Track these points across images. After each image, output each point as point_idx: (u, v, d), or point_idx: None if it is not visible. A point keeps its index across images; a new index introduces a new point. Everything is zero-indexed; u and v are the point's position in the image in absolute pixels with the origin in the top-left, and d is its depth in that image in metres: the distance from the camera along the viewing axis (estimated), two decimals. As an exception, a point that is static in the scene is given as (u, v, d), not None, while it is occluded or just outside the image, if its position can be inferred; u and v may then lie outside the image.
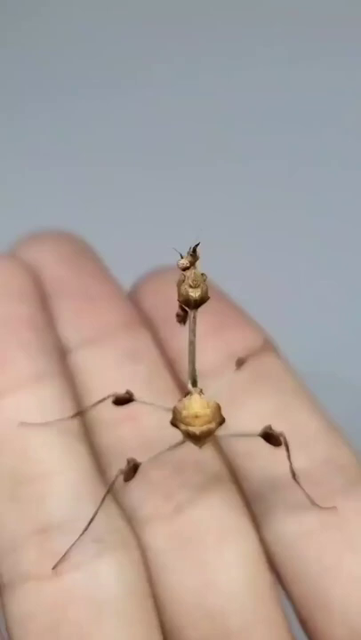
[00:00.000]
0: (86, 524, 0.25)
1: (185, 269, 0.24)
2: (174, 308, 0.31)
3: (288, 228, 0.45)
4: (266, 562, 0.27)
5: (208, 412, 0.25)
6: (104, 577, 0.24)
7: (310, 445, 0.28)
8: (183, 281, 0.24)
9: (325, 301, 0.45)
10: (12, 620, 0.25)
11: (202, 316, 0.28)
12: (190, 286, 0.24)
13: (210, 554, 0.26)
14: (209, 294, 0.31)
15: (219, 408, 0.25)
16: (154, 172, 0.44)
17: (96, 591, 0.24)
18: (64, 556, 0.24)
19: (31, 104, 0.48)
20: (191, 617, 0.25)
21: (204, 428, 0.25)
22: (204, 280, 0.24)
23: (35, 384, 0.27)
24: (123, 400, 0.26)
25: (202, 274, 0.24)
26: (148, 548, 0.26)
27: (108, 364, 0.29)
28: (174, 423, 0.25)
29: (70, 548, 0.25)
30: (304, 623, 0.26)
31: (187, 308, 0.25)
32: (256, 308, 0.32)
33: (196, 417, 0.25)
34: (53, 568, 0.24)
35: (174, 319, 0.31)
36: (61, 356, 0.29)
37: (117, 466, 0.27)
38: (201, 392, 0.25)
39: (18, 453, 0.26)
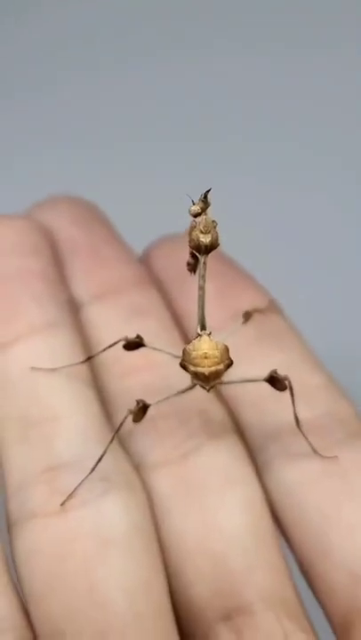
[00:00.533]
0: (94, 464, 0.26)
1: (196, 215, 0.25)
2: (183, 270, 0.32)
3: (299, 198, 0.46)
4: (268, 509, 0.27)
5: (217, 352, 0.25)
6: (110, 514, 0.25)
7: (312, 399, 0.28)
8: (194, 227, 0.25)
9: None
10: (19, 557, 0.25)
11: (208, 278, 0.29)
12: (201, 232, 0.25)
13: (213, 499, 0.27)
14: (215, 254, 0.32)
15: (227, 350, 0.26)
16: (165, 144, 0.45)
17: (102, 527, 0.25)
18: (71, 493, 0.25)
19: (46, 77, 0.49)
20: (194, 559, 0.26)
21: (213, 368, 0.26)
22: (215, 226, 0.25)
23: (46, 332, 0.28)
24: (133, 344, 0.27)
25: (212, 220, 0.25)
26: (153, 492, 0.27)
27: (118, 319, 0.30)
28: (183, 365, 0.26)
29: (78, 486, 0.25)
30: (304, 570, 0.27)
31: (197, 254, 0.25)
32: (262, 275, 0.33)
33: (206, 357, 0.25)
34: (61, 505, 0.25)
35: (183, 280, 0.32)
36: (72, 308, 0.30)
37: (123, 412, 0.27)
38: (210, 334, 0.26)
39: (28, 397, 0.27)
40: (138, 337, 0.27)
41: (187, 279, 0.32)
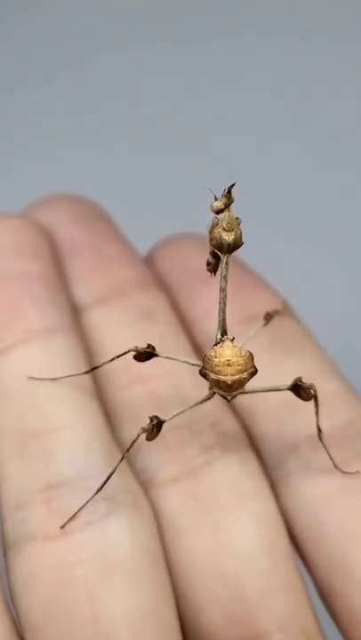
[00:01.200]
0: (96, 481, 0.24)
1: (219, 212, 0.23)
2: (190, 272, 0.30)
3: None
4: (284, 527, 0.25)
5: (241, 360, 0.24)
6: (114, 536, 0.23)
7: (331, 408, 0.27)
8: (216, 224, 0.23)
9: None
10: (16, 582, 0.24)
11: (218, 279, 0.28)
12: (224, 229, 0.23)
13: (226, 518, 0.25)
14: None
15: (252, 357, 0.24)
16: (172, 142, 0.43)
17: (106, 551, 0.23)
18: (74, 515, 0.23)
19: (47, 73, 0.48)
20: (205, 582, 0.24)
21: (236, 377, 0.24)
22: (239, 224, 0.23)
23: (45, 338, 0.26)
24: (144, 355, 0.25)
25: (236, 217, 0.23)
26: (162, 510, 0.25)
27: (122, 323, 0.28)
28: (203, 372, 0.24)
29: (81, 507, 0.23)
30: (324, 592, 0.25)
31: (219, 254, 0.24)
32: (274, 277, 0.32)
33: (229, 365, 0.24)
34: (62, 527, 0.23)
35: (190, 283, 0.30)
36: (74, 312, 0.28)
37: (129, 425, 0.26)
38: (233, 340, 0.24)
39: (26, 407, 0.25)
40: (149, 346, 0.25)
41: (195, 283, 0.30)
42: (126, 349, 0.25)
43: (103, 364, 0.26)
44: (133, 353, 0.25)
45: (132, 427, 0.26)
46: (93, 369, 0.26)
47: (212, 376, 0.24)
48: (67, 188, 0.33)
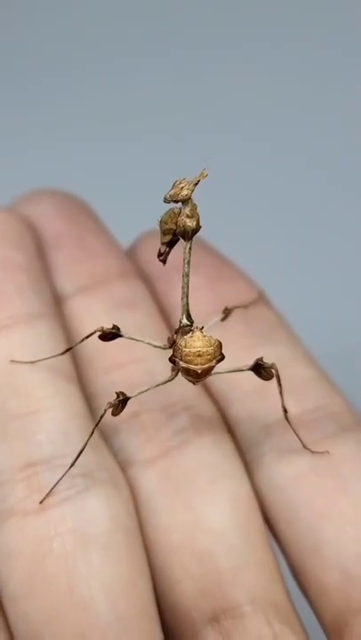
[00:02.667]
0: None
1: (185, 201, 0.24)
2: (169, 264, 0.31)
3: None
4: (257, 506, 0.26)
5: (211, 350, 0.25)
6: (92, 511, 0.24)
7: (303, 392, 0.28)
8: (178, 213, 0.24)
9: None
10: None
11: (196, 268, 0.29)
12: (188, 216, 0.24)
13: (200, 496, 0.26)
14: (203, 247, 0.31)
15: (220, 346, 0.25)
16: (154, 137, 0.44)
17: (83, 525, 0.24)
18: (50, 490, 0.24)
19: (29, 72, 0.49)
20: (180, 558, 0.25)
21: (206, 366, 0.25)
22: (196, 208, 0.24)
23: (27, 324, 0.27)
24: (109, 335, 0.26)
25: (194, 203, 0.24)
26: (138, 489, 0.26)
27: (103, 311, 0.29)
28: (173, 360, 0.25)
29: (57, 482, 0.24)
30: (295, 569, 0.26)
31: (183, 240, 0.25)
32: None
33: (199, 355, 0.25)
34: (40, 502, 0.24)
35: (169, 275, 0.31)
36: (56, 301, 0.29)
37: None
38: (202, 329, 0.25)
39: (7, 390, 0.26)
40: (114, 327, 0.26)
41: (173, 274, 0.31)
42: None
43: (76, 344, 0.27)
44: (99, 333, 0.26)
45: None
46: (68, 349, 0.27)
47: (182, 364, 0.25)
48: (51, 183, 0.34)
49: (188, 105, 0.47)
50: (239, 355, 0.28)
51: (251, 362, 0.27)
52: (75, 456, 0.25)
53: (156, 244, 0.32)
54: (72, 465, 0.24)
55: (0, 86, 0.48)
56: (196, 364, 0.25)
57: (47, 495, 0.24)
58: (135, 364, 0.28)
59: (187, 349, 0.25)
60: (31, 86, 0.48)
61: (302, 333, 0.31)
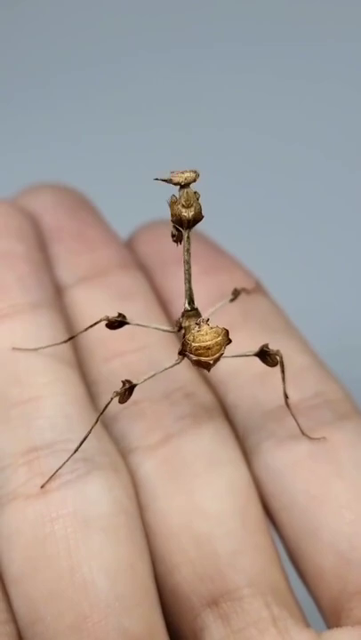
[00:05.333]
0: (76, 445, 0.25)
1: (180, 189, 0.24)
2: (167, 255, 0.32)
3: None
4: (255, 492, 0.27)
5: (220, 340, 0.25)
6: (92, 494, 0.25)
7: (300, 380, 0.28)
8: (175, 202, 0.24)
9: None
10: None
11: (194, 259, 0.29)
12: (183, 206, 0.24)
13: (199, 481, 0.26)
14: (202, 239, 0.32)
15: (227, 333, 0.25)
16: (152, 131, 0.45)
17: (84, 508, 0.24)
18: (53, 474, 0.25)
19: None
20: (180, 542, 0.25)
21: (217, 355, 0.25)
22: (198, 198, 0.24)
23: (29, 313, 0.28)
24: (116, 323, 0.26)
25: (195, 192, 0.24)
26: (138, 475, 0.26)
27: (103, 301, 0.29)
28: (184, 353, 0.25)
29: (60, 467, 0.25)
30: (292, 554, 0.27)
31: (180, 229, 0.25)
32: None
33: (209, 349, 0.25)
34: (42, 486, 0.25)
35: (167, 266, 0.31)
36: (57, 291, 0.30)
37: (108, 395, 0.27)
38: (207, 321, 0.25)
39: (9, 377, 0.27)
40: (120, 315, 0.26)
41: (171, 264, 0.31)
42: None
43: (80, 332, 0.28)
44: (106, 322, 0.26)
45: (110, 396, 0.27)
46: (71, 338, 0.28)
47: (194, 358, 0.25)
48: (50, 177, 0.34)
49: (186, 97, 0.47)
50: (238, 342, 0.28)
51: (250, 349, 0.27)
52: (76, 441, 0.25)
53: (153, 236, 0.33)
54: (76, 450, 0.25)
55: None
56: (208, 357, 0.25)
57: (49, 479, 0.25)
58: (135, 352, 0.28)
59: (196, 344, 0.25)
60: (30, 80, 0.49)
61: (304, 330, 0.31)
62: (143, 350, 0.28)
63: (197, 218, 0.25)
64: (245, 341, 0.28)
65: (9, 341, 0.27)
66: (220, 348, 0.25)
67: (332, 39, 0.50)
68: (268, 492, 0.27)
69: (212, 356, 0.25)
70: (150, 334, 0.28)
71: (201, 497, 0.26)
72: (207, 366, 0.25)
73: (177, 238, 0.26)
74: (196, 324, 0.25)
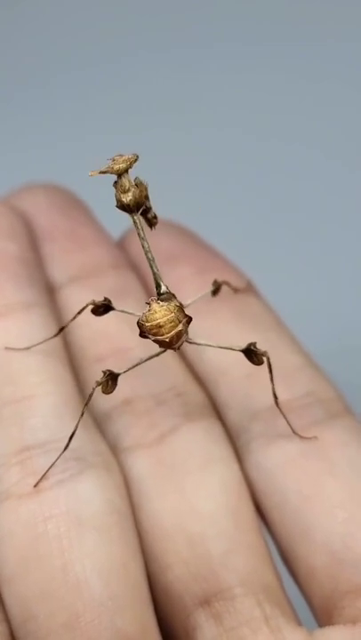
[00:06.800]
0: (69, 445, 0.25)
1: (119, 177, 0.25)
2: (159, 256, 0.32)
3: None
4: (247, 491, 0.27)
5: (172, 316, 0.25)
6: (85, 494, 0.25)
7: (292, 379, 0.28)
8: (116, 189, 0.25)
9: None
10: None
11: (185, 259, 0.30)
12: (121, 192, 0.25)
13: (191, 480, 0.26)
14: (192, 241, 0.32)
15: (181, 308, 0.25)
16: (146, 131, 0.45)
17: (76, 507, 0.24)
18: (45, 473, 0.25)
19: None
20: (171, 541, 0.26)
21: (173, 333, 0.25)
22: (137, 184, 0.25)
23: (22, 312, 0.28)
24: (101, 308, 0.27)
25: (135, 178, 0.25)
26: (130, 474, 0.26)
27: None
28: (143, 335, 0.25)
29: (51, 466, 0.25)
30: (284, 554, 0.27)
31: (128, 214, 0.25)
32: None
33: (161, 326, 0.25)
34: (34, 486, 0.25)
35: (159, 265, 0.31)
36: (49, 291, 0.30)
37: (101, 395, 0.27)
38: (157, 300, 0.25)
39: (2, 376, 0.27)
40: (105, 299, 0.27)
41: (162, 264, 0.31)
42: (93, 321, 0.27)
43: (68, 322, 0.28)
44: (92, 307, 0.27)
45: (100, 396, 0.27)
46: (62, 329, 0.28)
47: (152, 338, 0.25)
48: (42, 177, 0.34)
49: (183, 97, 0.47)
50: (229, 340, 0.28)
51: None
52: (68, 440, 0.25)
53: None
54: (66, 448, 0.25)
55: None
56: (163, 335, 0.25)
57: (41, 478, 0.25)
58: (126, 352, 0.28)
59: (148, 324, 0.25)
60: (25, 82, 0.49)
61: (301, 330, 0.31)
62: (134, 350, 0.28)
63: (139, 202, 0.25)
64: (236, 341, 0.28)
65: (2, 341, 0.27)
66: (175, 325, 0.25)
67: (332, 39, 0.50)
68: (259, 490, 0.27)
69: (168, 333, 0.25)
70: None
71: (193, 496, 0.26)
72: (169, 345, 0.25)
73: (148, 224, 0.26)
74: (147, 303, 0.25)
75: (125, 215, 0.33)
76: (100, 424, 0.27)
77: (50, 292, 0.30)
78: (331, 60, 0.51)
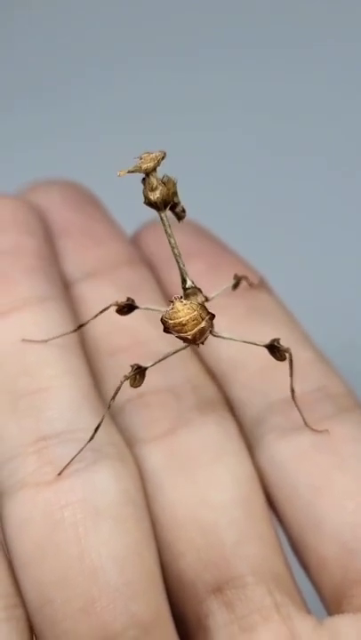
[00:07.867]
0: (84, 434, 0.26)
1: (147, 174, 0.25)
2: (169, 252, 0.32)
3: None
4: (259, 483, 0.27)
5: (195, 314, 0.25)
6: (101, 483, 0.25)
7: (303, 374, 0.29)
8: (144, 187, 0.25)
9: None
10: (9, 526, 0.25)
11: (197, 256, 0.30)
12: (149, 190, 0.25)
13: (204, 472, 0.27)
14: (204, 237, 0.32)
15: (203, 306, 0.26)
16: (158, 128, 0.45)
17: (92, 496, 0.25)
18: (69, 463, 0.25)
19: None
20: (185, 531, 0.26)
21: (195, 330, 0.25)
22: (165, 182, 0.25)
23: (38, 306, 0.28)
24: (125, 308, 0.27)
25: (163, 176, 0.25)
26: (144, 466, 0.27)
27: (110, 296, 0.30)
28: (167, 331, 0.26)
29: (75, 456, 0.25)
30: (295, 545, 0.27)
31: (157, 212, 0.26)
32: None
33: (184, 325, 0.25)
34: (59, 474, 0.25)
35: (172, 262, 0.32)
36: (65, 285, 0.30)
37: (114, 388, 0.27)
38: (181, 298, 0.26)
39: (19, 368, 0.27)
40: (129, 299, 0.27)
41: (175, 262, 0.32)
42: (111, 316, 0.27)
43: (89, 320, 0.28)
44: (115, 307, 0.27)
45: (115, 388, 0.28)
46: (81, 326, 0.28)
47: (175, 335, 0.26)
48: (57, 173, 0.35)
49: (191, 97, 0.48)
50: (243, 334, 0.29)
51: (255, 341, 0.28)
52: (84, 431, 0.26)
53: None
54: (91, 439, 0.25)
55: (6, 79, 0.49)
56: (186, 332, 0.25)
57: (66, 467, 0.25)
58: (139, 346, 0.29)
59: (171, 321, 0.25)
60: (38, 79, 0.49)
61: (308, 326, 0.32)
62: (147, 344, 0.29)
63: (168, 199, 0.25)
64: (249, 336, 0.29)
65: (18, 333, 0.28)
66: (198, 323, 0.25)
67: (333, 39, 0.51)
68: (271, 482, 0.27)
69: (191, 331, 0.25)
70: (154, 329, 0.29)
71: (206, 488, 0.26)
72: (193, 342, 0.26)
73: (177, 218, 0.26)
74: (170, 301, 0.26)
75: (138, 212, 0.34)
76: (115, 416, 0.28)
77: (65, 285, 0.30)
78: (331, 60, 0.51)
